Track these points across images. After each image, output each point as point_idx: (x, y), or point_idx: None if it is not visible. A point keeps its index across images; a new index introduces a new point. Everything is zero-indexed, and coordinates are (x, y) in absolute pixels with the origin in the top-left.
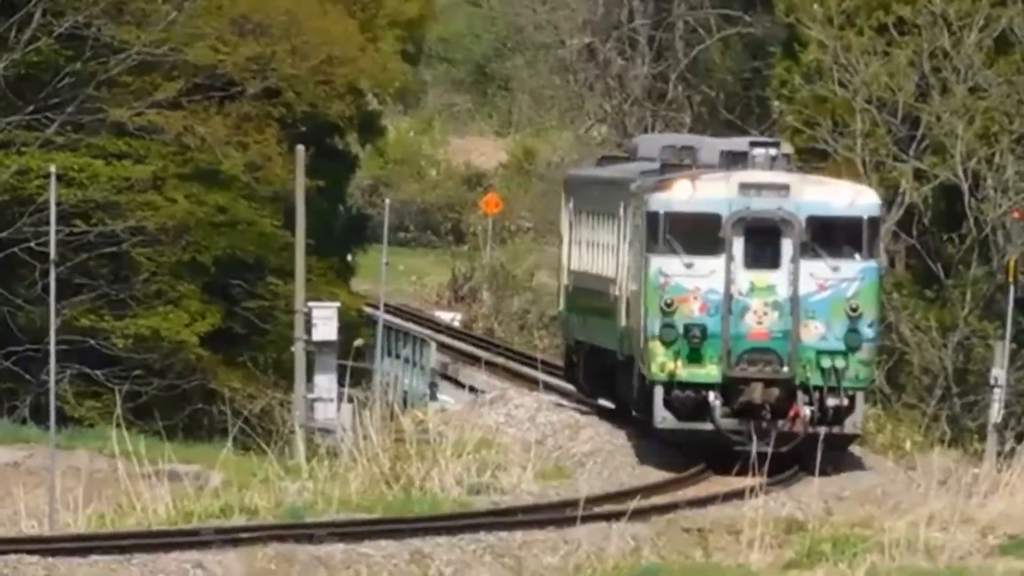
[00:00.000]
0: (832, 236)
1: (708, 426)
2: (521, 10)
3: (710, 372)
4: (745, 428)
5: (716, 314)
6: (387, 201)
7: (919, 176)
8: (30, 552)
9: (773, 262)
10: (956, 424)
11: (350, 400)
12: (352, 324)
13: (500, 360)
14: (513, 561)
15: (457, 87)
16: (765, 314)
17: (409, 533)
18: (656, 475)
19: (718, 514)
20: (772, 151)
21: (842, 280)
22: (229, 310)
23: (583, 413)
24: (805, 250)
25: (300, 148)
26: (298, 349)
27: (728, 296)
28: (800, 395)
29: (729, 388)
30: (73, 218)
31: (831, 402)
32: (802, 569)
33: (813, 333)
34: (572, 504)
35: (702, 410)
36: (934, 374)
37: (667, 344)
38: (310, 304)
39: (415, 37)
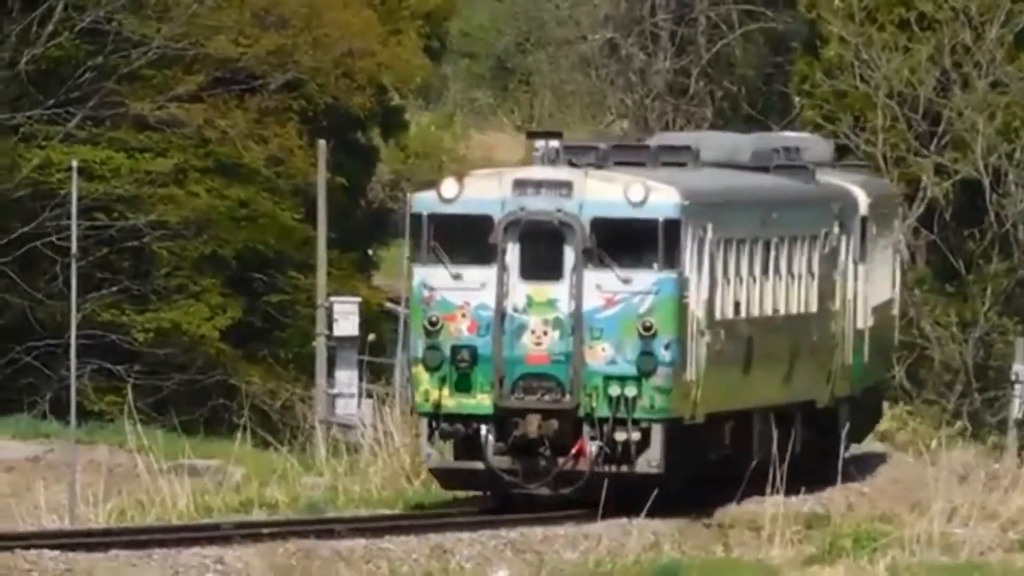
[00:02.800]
0: (623, 242)
1: (480, 465)
2: (543, 5)
3: (481, 402)
4: (522, 465)
5: (488, 334)
6: (409, 195)
7: (940, 171)
8: (51, 547)
9: (553, 272)
10: (976, 419)
11: (370, 396)
12: (374, 319)
13: None
14: (533, 556)
15: (478, 82)
16: (545, 334)
17: (430, 528)
18: None
19: (738, 510)
20: (550, 143)
21: (634, 294)
22: (250, 304)
23: None
24: (590, 258)
25: (321, 142)
26: (319, 344)
27: (501, 313)
28: (585, 428)
29: (503, 420)
30: (94, 212)
31: (620, 436)
32: (823, 564)
33: (600, 356)
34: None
35: (471, 444)
36: (954, 370)
37: (432, 370)
38: (332, 299)
39: (437, 31)
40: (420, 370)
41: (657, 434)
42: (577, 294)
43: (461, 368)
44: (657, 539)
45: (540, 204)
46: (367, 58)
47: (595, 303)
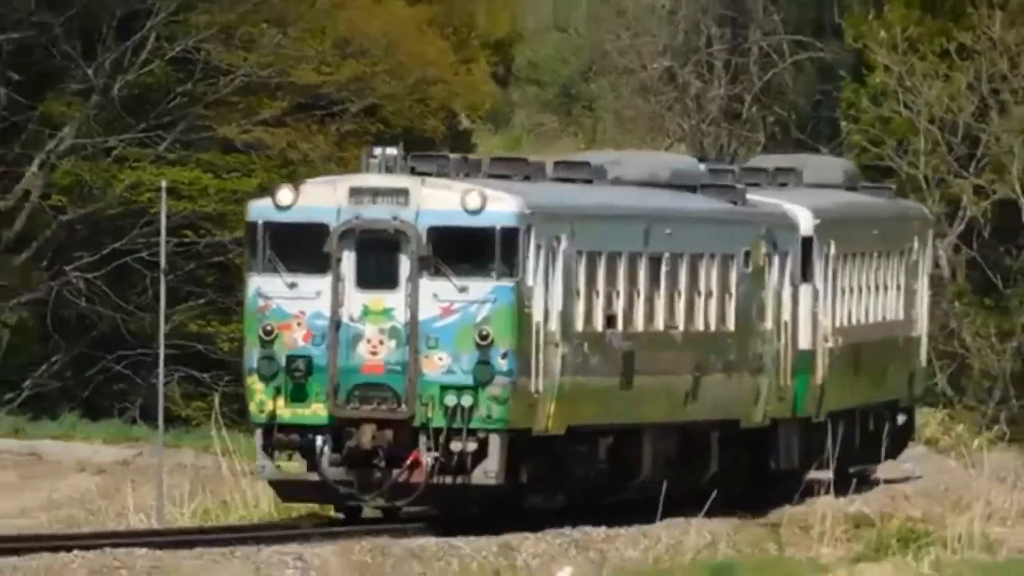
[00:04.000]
0: (460, 250)
1: (315, 476)
2: (606, 36)
3: (316, 412)
4: (356, 477)
5: (323, 343)
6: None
7: (978, 192)
8: (139, 545)
9: (389, 281)
10: (1015, 424)
11: None
12: None
13: None
14: (596, 554)
15: (544, 107)
16: (380, 343)
17: (499, 528)
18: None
19: (790, 510)
20: (388, 150)
21: (471, 302)
22: None
23: None
24: (426, 267)
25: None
26: None
27: (336, 322)
28: (421, 439)
29: (338, 431)
30: (182, 229)
31: (456, 446)
32: (870, 562)
33: (437, 365)
34: (652, 500)
35: (309, 455)
36: (993, 377)
37: (266, 379)
38: None
39: (505, 60)
40: (255, 380)
41: (495, 444)
42: (413, 303)
43: (296, 378)
44: (713, 538)
45: (376, 212)
46: (440, 85)
47: (431, 312)
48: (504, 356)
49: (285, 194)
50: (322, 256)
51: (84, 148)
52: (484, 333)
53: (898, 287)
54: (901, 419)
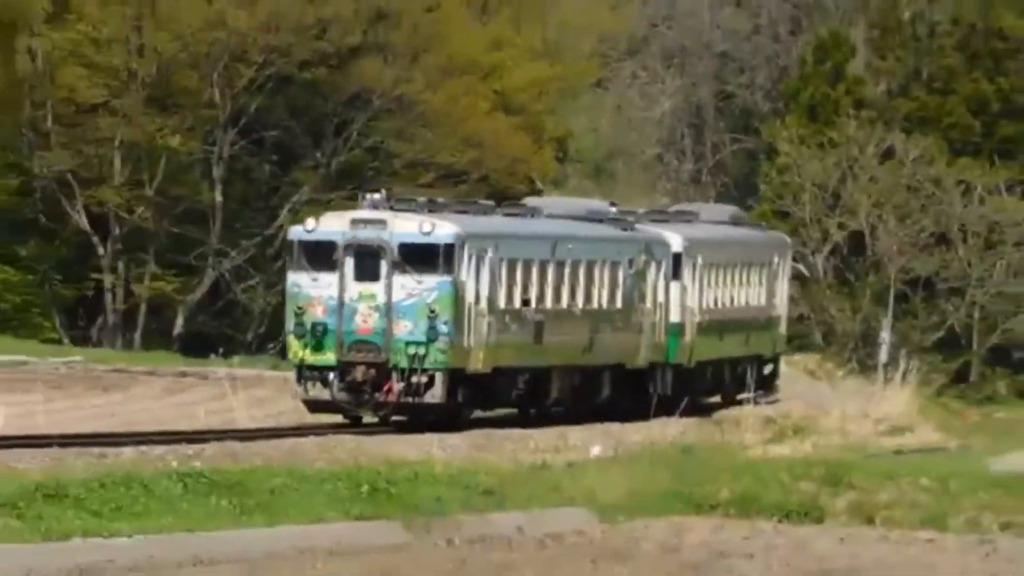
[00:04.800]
0: (417, 258)
1: (328, 397)
2: (620, 133)
3: (329, 358)
4: (353, 398)
5: (333, 315)
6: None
7: (840, 226)
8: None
9: (374, 276)
10: (861, 363)
11: None
12: None
13: None
14: (614, 439)
15: (585, 176)
16: (369, 315)
17: (557, 423)
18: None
19: (728, 414)
20: (375, 195)
21: (424, 290)
22: None
23: None
24: (397, 268)
25: None
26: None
27: (341, 302)
28: (394, 375)
29: (343, 370)
30: None
31: (415, 380)
32: (775, 444)
33: (403, 329)
34: (647, 407)
35: (325, 385)
36: (848, 335)
37: (299, 338)
38: None
39: (562, 147)
40: (292, 338)
41: (439, 379)
42: (388, 290)
43: (317, 337)
44: (684, 429)
45: (366, 234)
46: (524, 163)
47: (400, 296)
48: (445, 323)
49: (310, 222)
50: (333, 261)
51: (316, 200)
52: (432, 309)
53: (760, 284)
54: (768, 368)
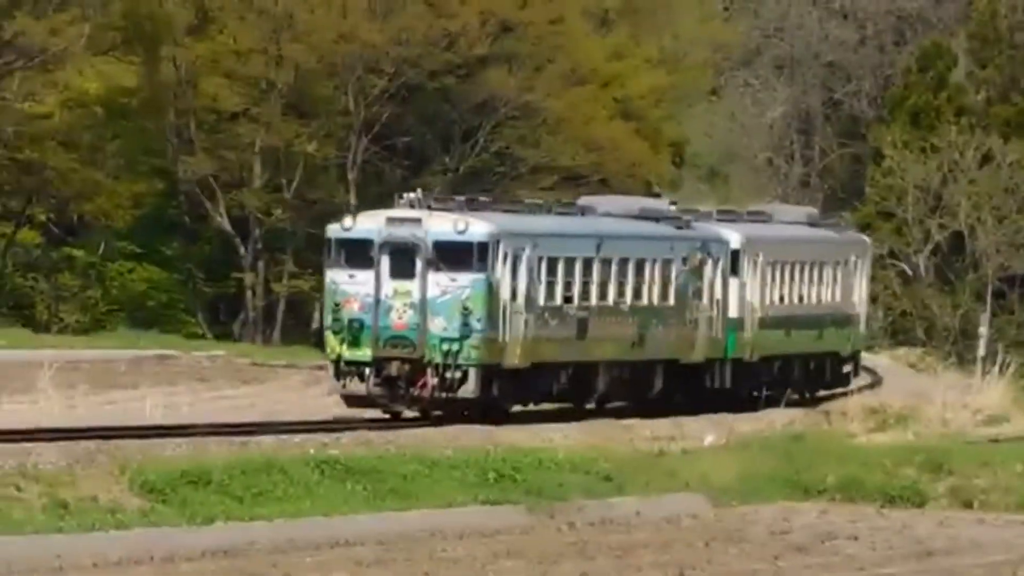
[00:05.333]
0: (451, 255)
1: (364, 391)
2: (733, 138)
3: (365, 353)
4: (388, 393)
5: (370, 311)
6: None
7: (941, 227)
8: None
9: (410, 274)
10: (961, 357)
11: None
12: None
13: None
14: (726, 429)
15: (700, 179)
16: (404, 312)
17: (671, 414)
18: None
19: (834, 405)
20: (411, 195)
21: (459, 287)
22: None
23: None
24: (432, 265)
25: None
26: None
27: (377, 299)
28: (429, 370)
29: (378, 365)
30: None
31: (449, 375)
32: (879, 432)
33: (438, 326)
34: (757, 398)
35: (361, 380)
36: (948, 330)
37: (336, 333)
38: None
39: (679, 152)
40: (329, 334)
41: (472, 374)
42: (423, 287)
43: (353, 332)
44: (792, 419)
45: (401, 232)
46: (641, 167)
47: (435, 293)
48: (479, 320)
49: (348, 221)
50: (369, 258)
51: None
52: (466, 306)
53: (835, 283)
54: (847, 367)
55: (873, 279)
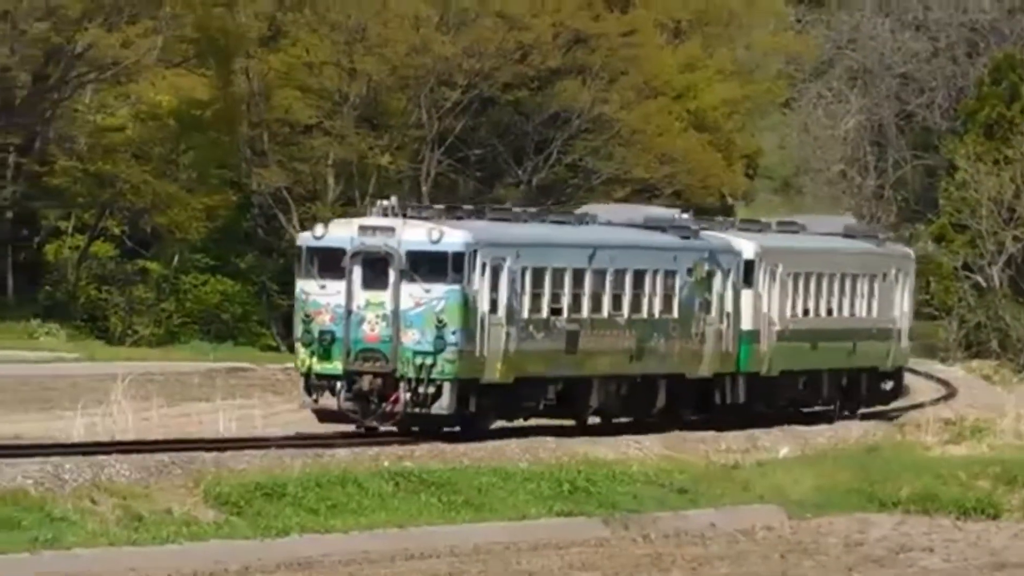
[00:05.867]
0: (425, 266)
1: (335, 406)
2: (806, 150)
3: (336, 367)
4: (360, 408)
5: (341, 323)
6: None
7: (1016, 239)
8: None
9: (382, 285)
10: None
11: None
12: None
13: None
14: (801, 441)
15: (773, 192)
16: (376, 324)
17: (747, 426)
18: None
19: (907, 416)
20: (385, 203)
21: (433, 299)
22: None
23: None
24: (405, 276)
25: None
26: None
27: (349, 310)
28: (401, 385)
29: (350, 379)
30: None
31: (422, 390)
32: (954, 444)
33: (411, 338)
34: (831, 412)
35: (333, 394)
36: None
37: (306, 345)
38: None
39: (752, 164)
40: (300, 346)
41: (447, 389)
42: (396, 299)
43: (324, 345)
44: (867, 431)
45: (374, 241)
46: (715, 178)
47: (408, 305)
48: (454, 333)
49: (319, 229)
50: (341, 268)
51: None
52: (441, 319)
53: (871, 296)
54: (889, 384)
55: (948, 291)
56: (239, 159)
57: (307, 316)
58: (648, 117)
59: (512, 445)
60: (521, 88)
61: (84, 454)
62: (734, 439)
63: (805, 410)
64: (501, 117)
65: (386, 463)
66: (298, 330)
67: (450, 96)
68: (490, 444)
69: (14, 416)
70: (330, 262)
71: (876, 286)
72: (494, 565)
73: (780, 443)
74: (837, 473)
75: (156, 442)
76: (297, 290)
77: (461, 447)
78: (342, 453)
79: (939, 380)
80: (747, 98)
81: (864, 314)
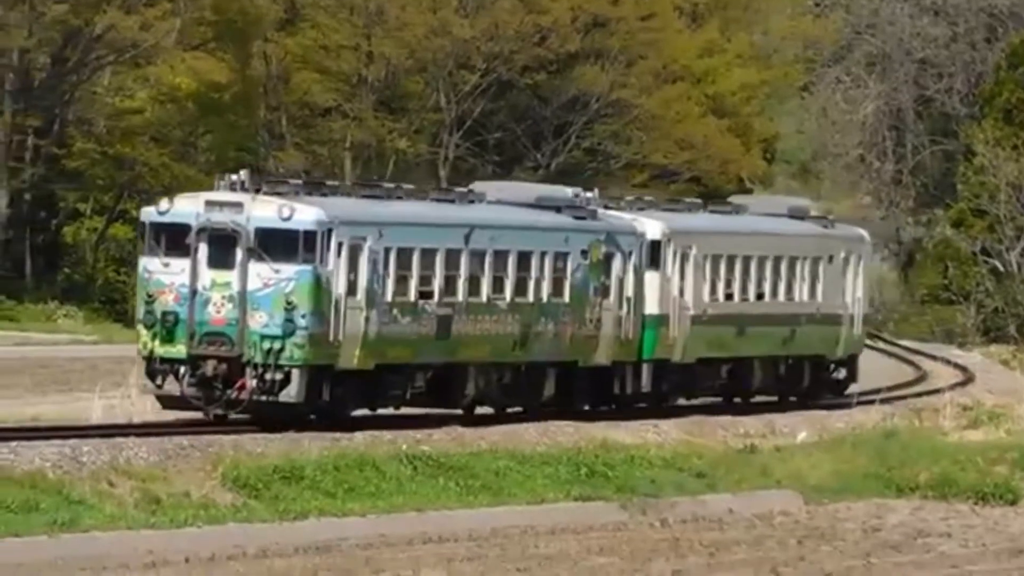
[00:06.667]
0: (275, 244)
1: (178, 392)
2: (824, 135)
3: (180, 350)
4: (204, 394)
5: (185, 304)
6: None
7: None
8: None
9: (229, 263)
10: None
11: None
12: None
13: None
14: (819, 426)
15: (791, 176)
16: (223, 305)
17: (763, 411)
18: (891, 381)
19: (925, 401)
20: (235, 176)
21: (282, 279)
22: None
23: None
24: (253, 255)
25: None
26: None
27: (193, 290)
28: (247, 371)
29: (194, 363)
30: None
31: (270, 376)
32: (971, 429)
33: (258, 321)
34: (850, 396)
35: (177, 378)
36: None
37: (149, 327)
38: None
39: (770, 148)
40: (142, 328)
41: (296, 375)
42: (243, 279)
43: (167, 327)
44: (885, 416)
45: (221, 217)
46: (733, 163)
47: (256, 285)
48: (303, 316)
49: (164, 204)
50: (186, 246)
51: None
52: (290, 301)
53: (814, 280)
54: (841, 372)
55: (966, 276)
56: (257, 142)
57: (149, 296)
58: (667, 102)
59: (530, 429)
60: (540, 71)
61: (102, 436)
62: (752, 424)
63: (737, 400)
64: (520, 101)
65: (404, 447)
66: (140, 311)
67: (469, 79)
68: (508, 428)
69: (32, 398)
70: (175, 239)
71: (821, 269)
72: (512, 549)
73: (798, 427)
74: (855, 458)
75: (174, 425)
76: (140, 268)
77: (479, 431)
78: (360, 437)
79: (956, 365)
80: (765, 83)
81: (805, 298)
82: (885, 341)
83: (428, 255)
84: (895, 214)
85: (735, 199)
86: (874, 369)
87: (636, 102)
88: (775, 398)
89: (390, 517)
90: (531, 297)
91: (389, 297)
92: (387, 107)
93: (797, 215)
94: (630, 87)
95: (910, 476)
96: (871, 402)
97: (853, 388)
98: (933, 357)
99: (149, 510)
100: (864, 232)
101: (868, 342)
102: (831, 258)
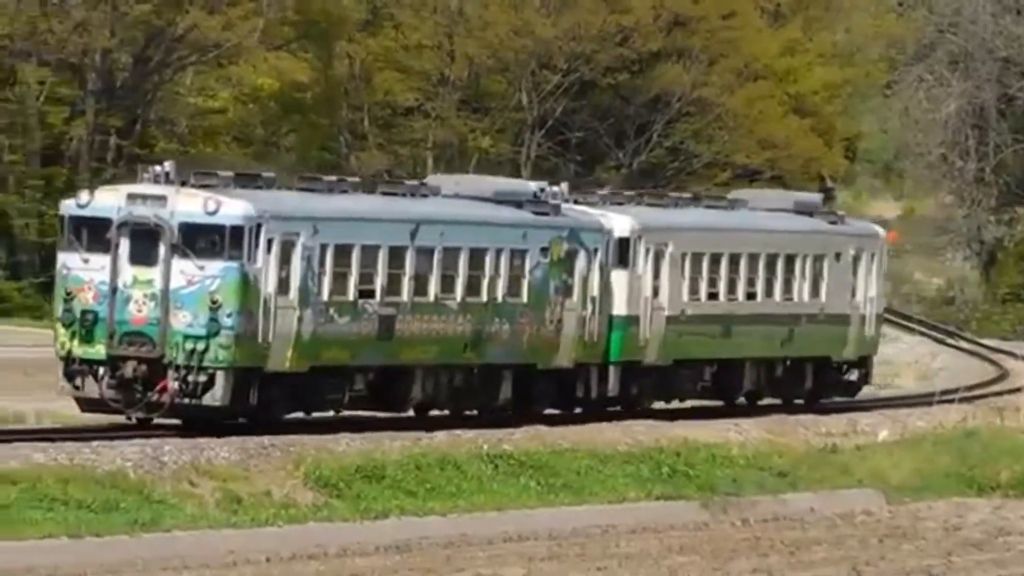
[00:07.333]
0: (200, 240)
1: (97, 394)
2: (908, 133)
3: (99, 351)
4: (123, 397)
5: (105, 302)
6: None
7: None
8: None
9: (151, 260)
10: None
11: None
12: None
13: None
14: (900, 425)
15: (874, 176)
16: (144, 303)
17: (850, 410)
18: (972, 380)
19: (1006, 400)
20: (158, 168)
21: (207, 277)
22: None
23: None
24: (177, 251)
25: None
26: None
27: (114, 288)
28: (169, 372)
29: (113, 364)
30: None
31: (193, 379)
32: None
33: (181, 321)
34: (931, 394)
35: (96, 380)
36: None
37: (67, 326)
38: None
39: (851, 148)
40: (59, 326)
41: (221, 378)
42: (166, 276)
43: (86, 326)
44: (965, 415)
45: (143, 211)
46: (815, 162)
47: (179, 283)
48: (229, 315)
49: (84, 196)
50: (106, 241)
51: None
52: (215, 299)
53: (818, 278)
54: (854, 374)
55: None
56: (339, 142)
57: (68, 293)
58: (749, 101)
59: (611, 428)
60: (621, 71)
61: (184, 437)
62: (834, 422)
63: (723, 403)
64: (601, 100)
65: (485, 446)
66: (58, 308)
67: (551, 79)
68: (589, 427)
69: None
70: (95, 234)
71: (825, 267)
72: (592, 548)
73: (879, 426)
74: (936, 457)
75: (256, 425)
76: (58, 264)
77: (559, 430)
78: (440, 436)
79: None
80: (847, 82)
81: (806, 298)
82: (967, 340)
83: (369, 252)
84: (977, 213)
85: (735, 193)
86: (955, 368)
87: (718, 101)
88: (778, 400)
89: (471, 516)
90: (484, 296)
91: (325, 296)
92: (469, 106)
93: (804, 211)
94: (712, 86)
95: (991, 475)
96: (951, 401)
97: (865, 390)
98: (1014, 355)
99: (230, 510)
100: (879, 229)
101: (950, 341)
102: (838, 256)
